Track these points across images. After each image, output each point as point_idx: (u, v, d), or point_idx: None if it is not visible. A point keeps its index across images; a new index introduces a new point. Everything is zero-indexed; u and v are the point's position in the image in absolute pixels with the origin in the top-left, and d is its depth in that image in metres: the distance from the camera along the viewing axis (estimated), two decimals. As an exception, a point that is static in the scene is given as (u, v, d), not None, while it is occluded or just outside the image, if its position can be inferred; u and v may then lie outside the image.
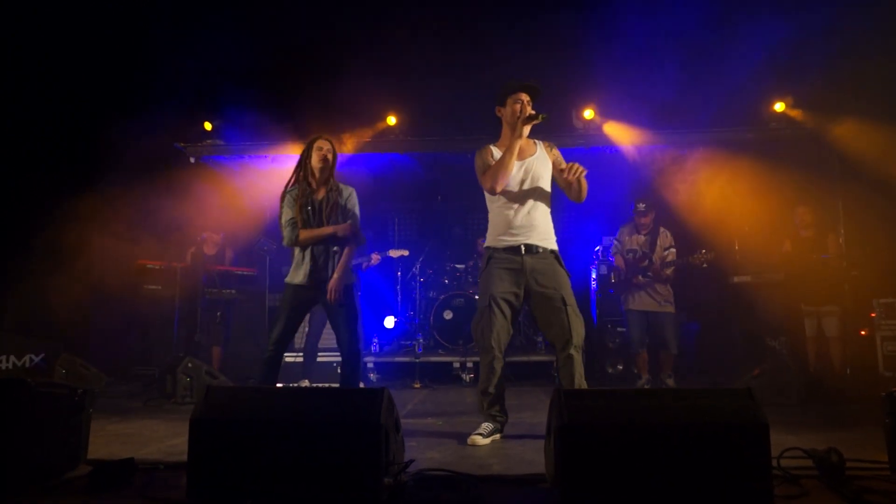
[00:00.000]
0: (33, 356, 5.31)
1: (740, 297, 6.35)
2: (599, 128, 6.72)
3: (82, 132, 6.70)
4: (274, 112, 6.56)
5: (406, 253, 6.24)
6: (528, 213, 3.34)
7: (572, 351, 3.15)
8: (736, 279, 6.21)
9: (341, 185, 3.87)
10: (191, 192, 6.59)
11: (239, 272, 6.31)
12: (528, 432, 3.49)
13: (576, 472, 1.98)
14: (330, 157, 3.79)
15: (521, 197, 3.36)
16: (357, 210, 3.87)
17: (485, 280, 3.38)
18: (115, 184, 6.53)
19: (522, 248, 3.30)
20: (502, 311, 3.28)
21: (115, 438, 3.42)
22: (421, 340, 6.39)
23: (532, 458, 2.78)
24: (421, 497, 2.07)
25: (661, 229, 5.64)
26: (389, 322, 7.28)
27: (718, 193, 6.37)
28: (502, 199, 3.38)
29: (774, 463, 2.17)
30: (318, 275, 3.71)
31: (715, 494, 1.95)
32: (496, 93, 3.49)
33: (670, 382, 5.40)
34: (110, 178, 6.74)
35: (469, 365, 6.45)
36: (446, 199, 8.77)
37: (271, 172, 7.31)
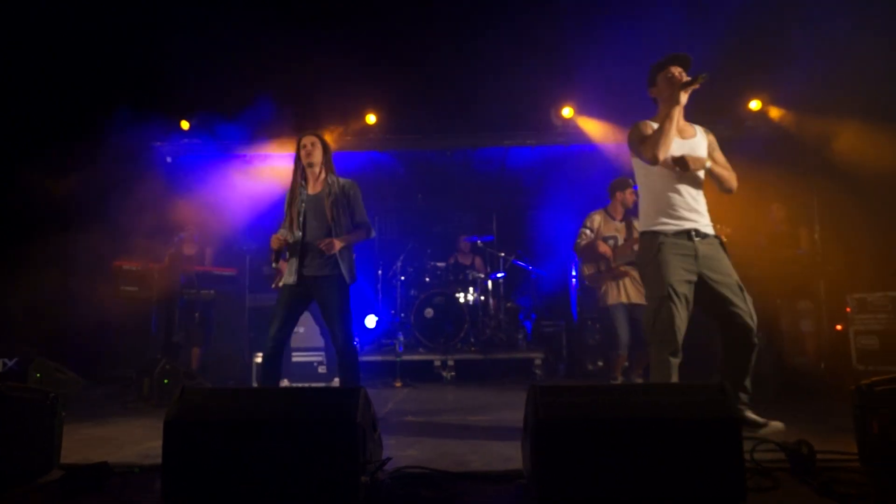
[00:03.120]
0: (7, 360, 5.20)
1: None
2: (578, 126, 6.75)
3: (55, 131, 6.59)
4: (252, 111, 6.50)
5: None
6: (693, 195, 3.20)
7: (755, 339, 3.09)
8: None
9: (342, 180, 3.85)
10: (167, 191, 6.52)
11: (218, 272, 6.25)
12: (508, 429, 3.50)
13: (551, 468, 1.99)
14: (316, 151, 3.77)
15: (684, 178, 3.19)
16: (361, 204, 3.85)
17: (656, 267, 3.13)
18: (90, 184, 6.43)
19: (694, 233, 3.13)
20: (682, 300, 3.09)
21: (89, 442, 3.37)
22: (402, 339, 6.38)
23: (511, 454, 2.79)
24: (398, 495, 2.07)
25: (631, 216, 5.32)
26: (370, 321, 7.26)
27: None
28: (664, 180, 3.20)
29: (748, 456, 2.20)
30: (307, 271, 3.70)
31: (689, 488, 1.97)
32: (647, 77, 3.38)
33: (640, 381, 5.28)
34: (85, 177, 6.64)
35: (450, 363, 6.46)
36: (427, 197, 8.77)
37: (249, 171, 7.26)
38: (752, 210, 6.12)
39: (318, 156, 3.78)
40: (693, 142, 3.28)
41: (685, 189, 3.19)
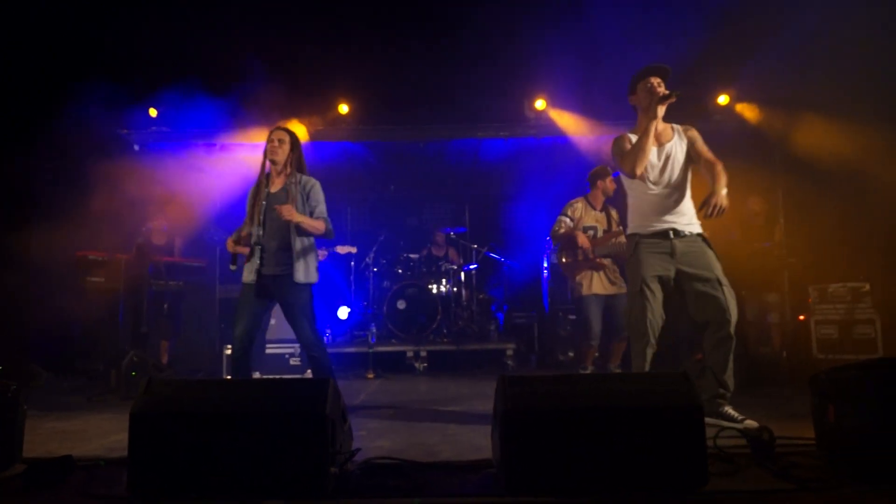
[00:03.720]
0: (-33, 353, 5.08)
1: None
2: (550, 118, 6.79)
3: (18, 116, 6.40)
4: (222, 99, 6.40)
5: (354, 250, 6.14)
6: (673, 197, 3.34)
7: (731, 330, 3.15)
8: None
9: (304, 177, 3.77)
10: (135, 180, 6.39)
11: (187, 263, 6.16)
12: (480, 420, 3.53)
13: (518, 457, 2.02)
14: (282, 147, 3.69)
15: (664, 182, 3.35)
16: (322, 203, 3.78)
17: (633, 266, 3.36)
18: (54, 171, 6.28)
19: (671, 233, 3.28)
20: (654, 294, 3.24)
21: (54, 436, 3.31)
22: (374, 330, 6.37)
23: (481, 444, 2.81)
24: (366, 485, 2.08)
25: (609, 206, 5.33)
26: (343, 313, 7.23)
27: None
28: (645, 185, 3.36)
29: (711, 443, 2.26)
30: (266, 270, 3.63)
31: (653, 473, 2.02)
32: (628, 84, 3.47)
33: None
34: (50, 165, 6.47)
35: (423, 354, 6.48)
36: (400, 188, 8.75)
37: (220, 160, 7.15)
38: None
39: (283, 153, 3.69)
40: (670, 145, 3.40)
41: (663, 193, 3.35)
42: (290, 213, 3.55)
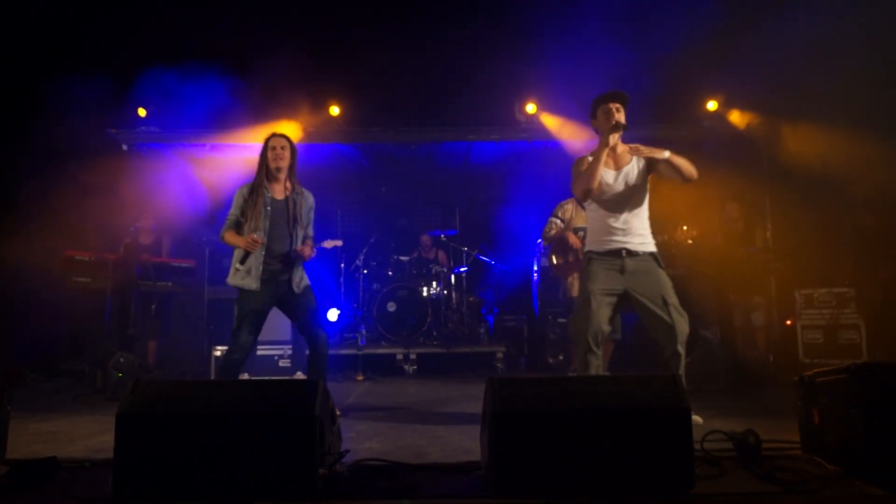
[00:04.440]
0: (-50, 353, 5.02)
1: (675, 289, 6.56)
2: (541, 122, 6.81)
3: (3, 115, 6.34)
4: (212, 99, 6.37)
5: (339, 243, 6.11)
6: (627, 219, 3.44)
7: (679, 348, 3.26)
8: (671, 271, 6.39)
9: (305, 191, 3.87)
10: (123, 180, 6.34)
11: (175, 264, 6.12)
12: (469, 422, 3.52)
13: (507, 458, 2.02)
14: (285, 154, 3.72)
15: (620, 204, 3.45)
16: (312, 218, 3.90)
17: (583, 279, 3.48)
18: (41, 170, 6.21)
19: (623, 252, 3.38)
20: (600, 306, 3.34)
21: (38, 437, 3.28)
22: (364, 333, 6.36)
23: (470, 446, 2.81)
24: (355, 486, 2.07)
25: None
26: (332, 314, 7.21)
27: (653, 188, 6.55)
28: (602, 207, 3.47)
29: (698, 445, 2.28)
30: (276, 278, 3.68)
31: (641, 476, 2.03)
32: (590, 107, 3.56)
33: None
34: (37, 164, 6.41)
35: (412, 356, 6.47)
36: (390, 190, 8.74)
37: (209, 161, 7.11)
38: (708, 209, 6.30)
39: (286, 161, 3.73)
40: (628, 168, 3.49)
41: (618, 214, 3.45)
42: (306, 253, 3.72)
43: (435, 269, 7.28)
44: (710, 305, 6.37)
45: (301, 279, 3.79)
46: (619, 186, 3.46)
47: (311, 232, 3.90)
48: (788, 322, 5.96)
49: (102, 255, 5.79)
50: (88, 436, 3.30)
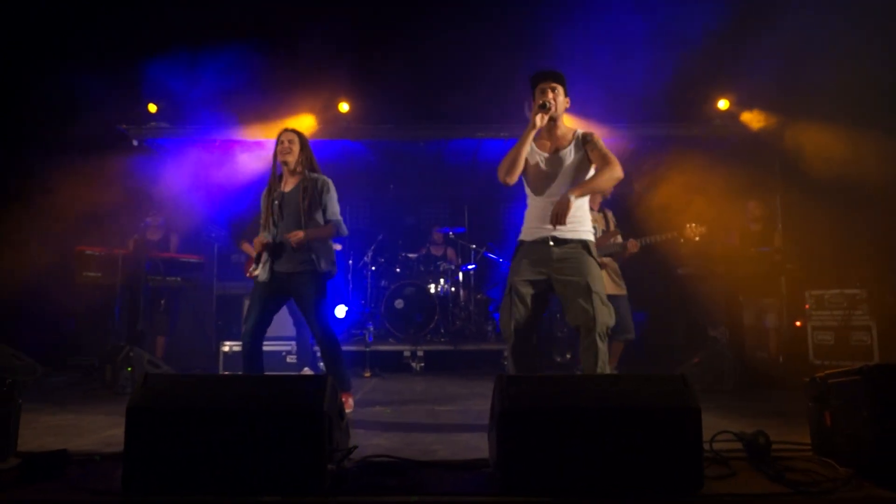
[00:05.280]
0: (-38, 346, 5.06)
1: (685, 288, 6.55)
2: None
3: (17, 111, 6.38)
4: (222, 95, 6.38)
5: (338, 247, 6.14)
6: (551, 206, 3.21)
7: (595, 337, 3.08)
8: (680, 271, 6.40)
9: (316, 176, 3.86)
10: (134, 175, 6.38)
11: (184, 259, 6.15)
12: (476, 420, 3.53)
13: (515, 456, 2.02)
14: (293, 148, 3.78)
15: (550, 189, 3.26)
16: (333, 202, 3.86)
17: (510, 270, 3.35)
18: (53, 166, 6.25)
19: (551, 241, 3.22)
20: (521, 298, 3.22)
21: (48, 430, 3.30)
22: (371, 329, 6.37)
23: (478, 444, 2.81)
24: (363, 483, 2.08)
25: (605, 208, 5.38)
26: (340, 311, 7.22)
27: (663, 187, 6.54)
28: (534, 192, 3.32)
29: (707, 446, 2.26)
30: (280, 268, 3.72)
31: (650, 476, 2.02)
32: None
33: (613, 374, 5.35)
34: (49, 160, 6.45)
35: (420, 354, 6.48)
36: (399, 187, 8.73)
37: (219, 157, 7.13)
38: (718, 208, 6.26)
39: (294, 154, 3.79)
40: (564, 153, 3.28)
41: (548, 200, 3.25)
42: (298, 237, 3.65)
43: (443, 266, 7.28)
44: (719, 305, 6.34)
45: (322, 263, 3.77)
46: (551, 170, 3.27)
47: (331, 215, 3.87)
48: (798, 323, 5.93)
49: (112, 251, 5.83)
50: (98, 429, 3.32)
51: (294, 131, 3.88)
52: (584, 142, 3.28)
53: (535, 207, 3.33)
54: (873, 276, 5.38)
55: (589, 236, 3.28)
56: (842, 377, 2.34)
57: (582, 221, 3.28)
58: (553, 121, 3.29)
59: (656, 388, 2.12)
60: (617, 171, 3.17)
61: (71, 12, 6.02)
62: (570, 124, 3.44)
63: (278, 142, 3.82)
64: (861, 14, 5.20)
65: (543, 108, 3.18)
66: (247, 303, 6.45)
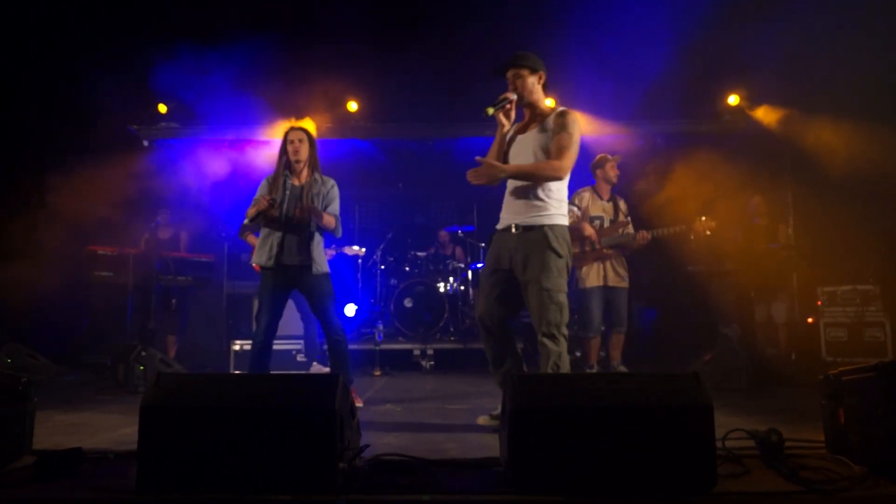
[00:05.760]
0: (-23, 345, 5.11)
1: (695, 286, 6.50)
2: (559, 117, 6.76)
3: (30, 114, 6.44)
4: (231, 96, 6.41)
5: (362, 252, 6.17)
6: (517, 192, 3.18)
7: (543, 339, 2.98)
8: (691, 268, 6.36)
9: (324, 178, 3.98)
10: (144, 175, 6.42)
11: (195, 259, 6.18)
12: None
13: (526, 455, 2.01)
14: (303, 147, 3.87)
15: (513, 181, 3.20)
16: (336, 202, 3.97)
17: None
18: (65, 167, 6.31)
19: (513, 227, 3.14)
20: (483, 289, 3.22)
21: (63, 428, 3.33)
22: (381, 328, 6.38)
23: (489, 442, 2.81)
24: (375, 481, 2.08)
25: (616, 196, 5.32)
26: (350, 310, 7.24)
27: (672, 184, 6.49)
28: (505, 185, 3.25)
29: (719, 444, 2.25)
30: (287, 260, 3.78)
31: (663, 474, 2.01)
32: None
33: (623, 370, 5.22)
34: (60, 161, 6.51)
35: (429, 352, 6.48)
36: (407, 186, 8.74)
37: (228, 156, 7.16)
38: (728, 203, 6.22)
39: (304, 153, 3.89)
40: (527, 137, 3.18)
41: (511, 187, 3.22)
42: (308, 202, 3.78)
43: (452, 265, 7.28)
44: (730, 302, 6.30)
45: (320, 264, 3.86)
46: (518, 150, 3.19)
47: (333, 212, 3.96)
48: (810, 320, 5.88)
49: (124, 250, 5.87)
50: (111, 428, 3.35)
51: (303, 129, 3.96)
52: (554, 122, 3.11)
53: (505, 197, 3.28)
54: (887, 271, 5.33)
55: (556, 220, 3.11)
56: (856, 374, 2.32)
57: (549, 206, 3.11)
58: (530, 105, 3.21)
59: (668, 385, 2.11)
60: (554, 171, 3.05)
61: (80, 13, 6.06)
62: (555, 105, 3.35)
63: (288, 140, 3.89)
64: (872, 7, 5.14)
65: (501, 106, 3.12)
66: (256, 302, 6.51)
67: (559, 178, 3.10)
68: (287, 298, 3.99)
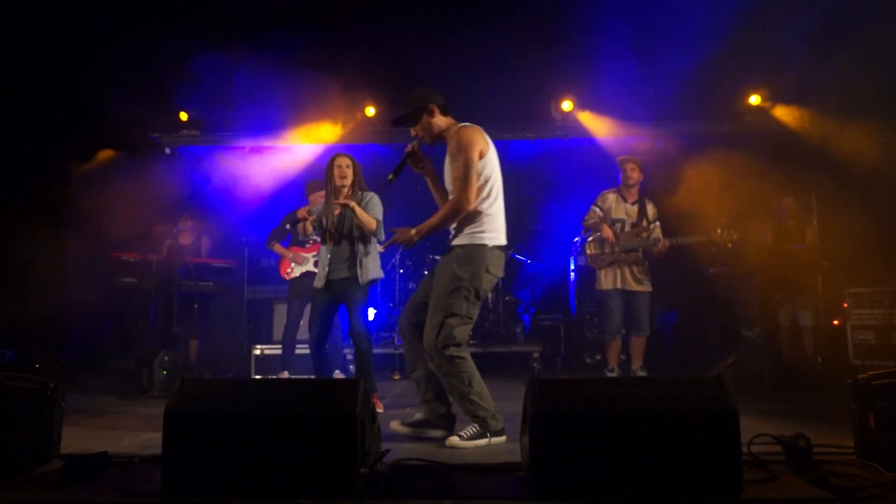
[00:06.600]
0: (5, 350, 5.22)
1: (717, 288, 6.42)
2: (577, 120, 6.74)
3: (55, 123, 6.57)
4: (251, 102, 6.48)
5: (382, 249, 6.18)
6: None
7: (426, 362, 3.06)
8: (713, 270, 6.27)
9: (364, 193, 4.23)
10: (166, 183, 6.51)
11: (216, 264, 6.25)
12: (507, 422, 3.49)
13: (549, 460, 2.00)
14: (349, 173, 4.15)
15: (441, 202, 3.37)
16: (376, 210, 4.20)
17: None
18: (89, 175, 6.42)
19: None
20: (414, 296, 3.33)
21: (89, 433, 3.38)
22: (400, 332, 6.37)
23: (509, 447, 2.80)
24: (396, 486, 2.08)
25: (646, 200, 5.27)
26: (369, 314, 7.26)
27: (695, 185, 6.42)
28: None
29: (745, 449, 2.21)
30: (333, 276, 4.06)
31: (687, 479, 1.98)
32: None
33: (642, 374, 5.15)
34: (85, 169, 6.63)
35: (449, 356, 6.45)
36: (425, 190, 8.73)
37: (249, 163, 7.23)
38: (752, 206, 6.14)
39: (349, 178, 4.15)
40: (445, 165, 3.28)
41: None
42: (347, 202, 4.00)
43: (471, 268, 7.25)
44: (753, 304, 6.21)
45: (368, 272, 4.12)
46: (442, 183, 3.29)
47: (373, 217, 4.19)
48: (836, 322, 5.77)
49: (147, 256, 5.96)
50: (136, 432, 3.39)
51: (348, 156, 4.22)
52: (451, 149, 3.15)
53: None
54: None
55: (466, 240, 3.09)
56: (887, 378, 2.27)
57: (467, 226, 3.11)
58: (438, 139, 3.26)
59: (691, 390, 2.09)
60: (458, 211, 3.06)
61: (103, 23, 6.17)
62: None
63: (335, 165, 4.13)
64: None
65: (402, 169, 3.29)
66: (277, 307, 6.56)
67: (466, 211, 3.05)
68: (335, 311, 4.22)
